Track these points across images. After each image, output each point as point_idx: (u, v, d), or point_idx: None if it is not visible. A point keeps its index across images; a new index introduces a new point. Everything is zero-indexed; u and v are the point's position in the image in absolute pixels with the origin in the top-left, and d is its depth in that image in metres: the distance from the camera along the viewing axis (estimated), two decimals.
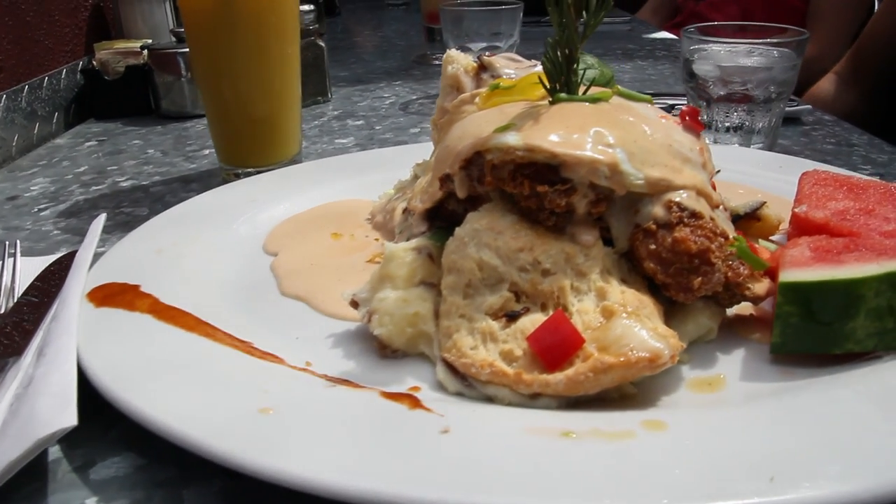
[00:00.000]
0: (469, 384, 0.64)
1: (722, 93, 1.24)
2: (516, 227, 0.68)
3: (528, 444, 0.55)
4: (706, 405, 0.62)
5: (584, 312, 0.64)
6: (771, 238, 0.87)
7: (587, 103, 0.72)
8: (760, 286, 0.70)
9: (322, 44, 1.76)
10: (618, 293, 0.65)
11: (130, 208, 1.19)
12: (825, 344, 0.65)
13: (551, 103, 0.74)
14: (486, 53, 0.95)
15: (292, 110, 1.30)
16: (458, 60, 0.93)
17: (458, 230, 0.70)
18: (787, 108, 1.54)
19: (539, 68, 0.93)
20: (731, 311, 0.74)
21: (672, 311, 0.69)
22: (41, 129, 1.58)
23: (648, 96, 0.77)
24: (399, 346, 0.70)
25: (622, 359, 0.59)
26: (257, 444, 0.54)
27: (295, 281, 0.85)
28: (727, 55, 1.25)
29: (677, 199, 0.66)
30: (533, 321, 0.64)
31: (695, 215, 0.66)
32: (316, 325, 0.76)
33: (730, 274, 0.67)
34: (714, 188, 0.79)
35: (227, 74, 1.21)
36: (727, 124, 1.27)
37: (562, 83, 0.75)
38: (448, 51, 0.95)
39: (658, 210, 0.66)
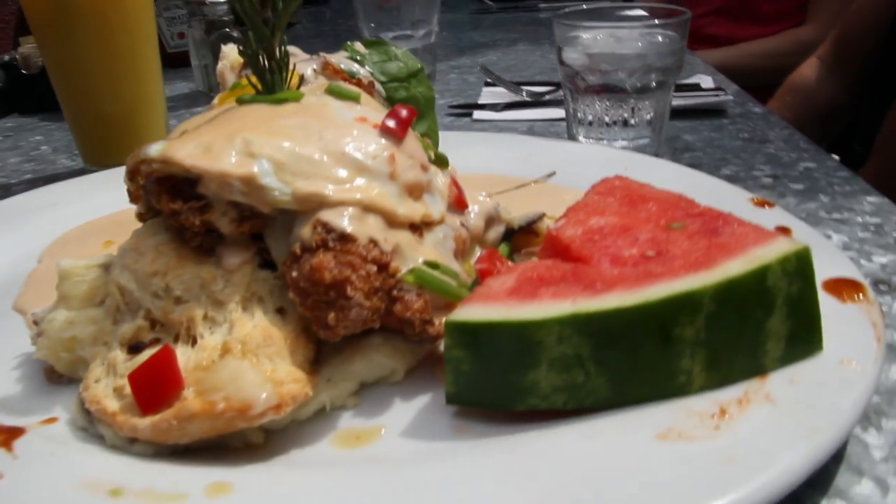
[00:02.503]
0: (91, 420, 0.58)
1: (591, 83, 1.12)
2: (160, 248, 0.61)
3: (74, 499, 0.49)
4: (318, 465, 0.54)
5: (205, 348, 0.56)
6: None
7: (268, 105, 0.64)
8: None
9: (237, 34, 1.71)
10: (248, 327, 0.57)
11: None
12: (504, 398, 0.55)
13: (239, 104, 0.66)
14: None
15: (151, 110, 1.26)
16: (227, 56, 0.86)
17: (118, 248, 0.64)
18: (710, 99, 1.39)
19: (314, 61, 0.85)
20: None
21: (346, 346, 0.61)
22: None
23: (357, 92, 0.68)
24: (63, 371, 0.65)
25: (207, 407, 0.51)
26: None
27: (29, 294, 0.80)
28: (597, 41, 1.12)
29: (325, 219, 0.57)
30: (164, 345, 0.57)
31: (344, 237, 0.56)
32: (15, 341, 0.72)
33: (398, 307, 0.58)
34: (459, 195, 0.70)
35: (71, 72, 1.18)
36: (604, 118, 1.15)
37: (266, 82, 0.67)
38: (223, 46, 0.88)
39: (305, 231, 0.57)
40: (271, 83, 0.67)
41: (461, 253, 0.69)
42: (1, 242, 0.90)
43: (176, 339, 0.59)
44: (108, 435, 0.56)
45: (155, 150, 0.59)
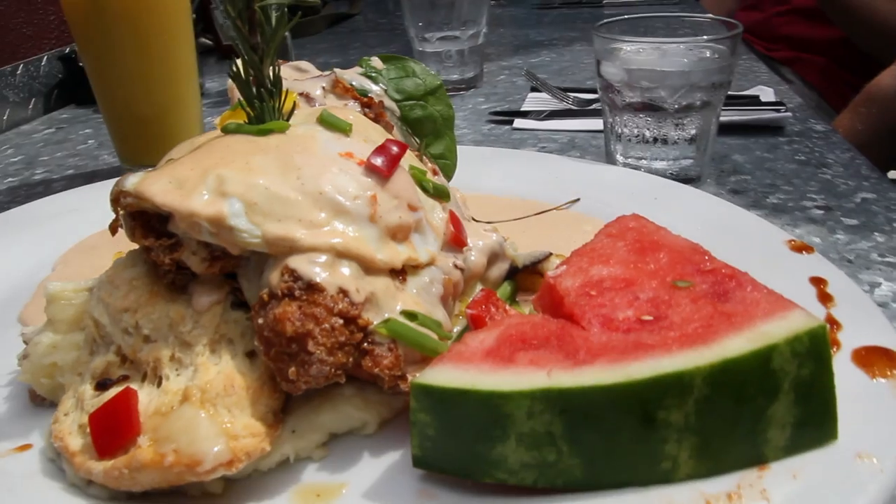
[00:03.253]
0: (58, 453, 0.57)
1: (630, 99, 1.05)
2: (133, 282, 0.59)
3: None
4: None
5: (167, 392, 0.55)
6: None
7: (251, 136, 0.61)
8: None
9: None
10: (212, 373, 0.55)
11: (16, 205, 1.21)
12: (471, 469, 0.52)
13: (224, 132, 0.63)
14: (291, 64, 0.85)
15: (186, 110, 1.26)
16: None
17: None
18: (766, 115, 1.29)
19: (324, 79, 0.82)
20: None
21: (315, 395, 0.58)
22: (13, 114, 1.66)
23: (347, 124, 0.64)
24: (45, 395, 0.65)
25: (157, 459, 0.50)
26: None
27: (36, 305, 0.81)
28: (638, 55, 1.05)
29: (294, 265, 0.54)
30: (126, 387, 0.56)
31: (311, 287, 0.53)
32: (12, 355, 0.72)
33: (366, 362, 0.55)
34: (457, 233, 0.66)
35: (107, 73, 1.19)
36: (644, 135, 1.07)
37: (257, 108, 0.64)
38: (235, 59, 0.86)
39: (273, 276, 0.55)
40: (260, 111, 0.64)
41: (453, 296, 0.65)
42: (19, 248, 0.91)
43: (144, 378, 0.57)
44: (69, 472, 0.55)
45: (131, 182, 0.58)
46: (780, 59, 2.43)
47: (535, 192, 0.96)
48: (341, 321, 0.53)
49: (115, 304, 0.58)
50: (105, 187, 1.08)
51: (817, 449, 0.51)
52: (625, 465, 0.49)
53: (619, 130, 1.09)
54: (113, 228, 0.61)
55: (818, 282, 0.72)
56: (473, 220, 0.90)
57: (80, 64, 1.73)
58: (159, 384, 0.56)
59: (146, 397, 0.55)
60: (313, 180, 0.57)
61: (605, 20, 1.10)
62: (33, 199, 1.22)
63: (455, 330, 0.65)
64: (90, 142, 1.52)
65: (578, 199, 0.93)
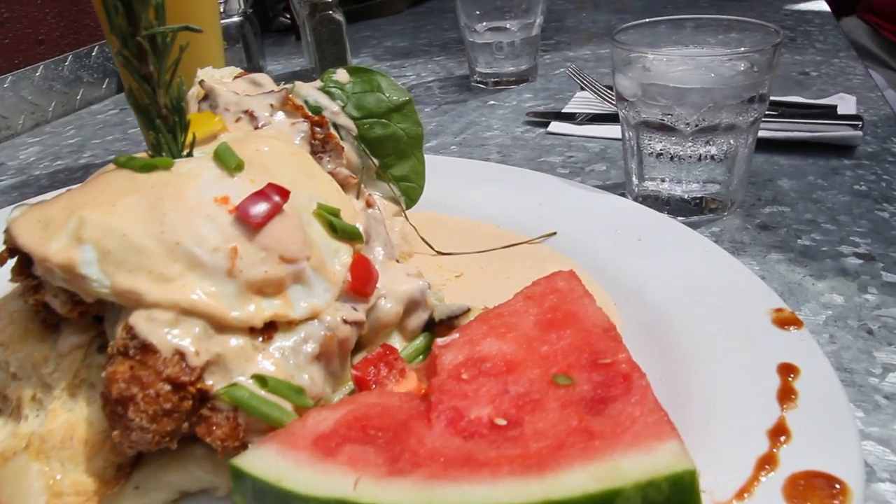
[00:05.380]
0: None
1: (645, 118, 0.93)
2: (14, 315, 0.59)
3: None
4: None
5: (15, 435, 0.54)
6: None
7: (132, 172, 0.58)
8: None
9: (340, 17, 1.67)
10: (57, 421, 0.53)
11: (53, 189, 1.28)
12: None
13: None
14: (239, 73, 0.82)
15: None
16: (207, 80, 0.81)
17: None
18: (831, 134, 1.11)
19: (274, 95, 0.78)
20: None
21: (166, 452, 0.56)
22: (86, 93, 1.75)
23: (238, 162, 0.59)
24: None
25: None
26: None
27: None
28: (656, 67, 0.92)
29: (132, 322, 0.51)
30: None
31: (145, 347, 0.50)
32: None
33: (201, 428, 0.51)
34: (356, 282, 0.61)
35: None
36: (667, 153, 0.95)
37: (153, 139, 0.62)
38: (199, 70, 0.84)
39: (118, 330, 0.52)
40: (156, 141, 0.61)
41: (340, 353, 0.60)
42: None
43: (11, 414, 0.57)
44: None
45: (10, 217, 0.57)
46: None
47: (515, 218, 0.88)
48: (169, 387, 0.50)
49: None
50: None
51: None
52: None
53: (634, 145, 0.98)
54: (1, 259, 0.61)
55: (787, 370, 0.60)
56: (439, 252, 0.84)
57: None
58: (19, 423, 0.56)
59: (1, 435, 0.55)
60: (174, 228, 0.54)
61: (627, 24, 0.97)
62: (70, 184, 1.29)
63: (345, 390, 0.60)
64: None
65: (555, 233, 0.83)
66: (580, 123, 1.31)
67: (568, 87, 1.55)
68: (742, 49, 0.89)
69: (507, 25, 1.51)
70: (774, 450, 0.52)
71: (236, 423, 0.51)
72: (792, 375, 0.59)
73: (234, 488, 0.48)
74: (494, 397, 0.49)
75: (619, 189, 1.02)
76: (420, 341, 0.66)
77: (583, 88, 1.45)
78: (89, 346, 0.57)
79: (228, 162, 0.59)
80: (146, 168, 0.59)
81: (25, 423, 0.55)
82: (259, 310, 0.55)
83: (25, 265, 0.56)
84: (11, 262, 0.58)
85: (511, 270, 0.78)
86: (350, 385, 0.61)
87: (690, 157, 0.94)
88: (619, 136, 1.24)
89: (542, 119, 1.35)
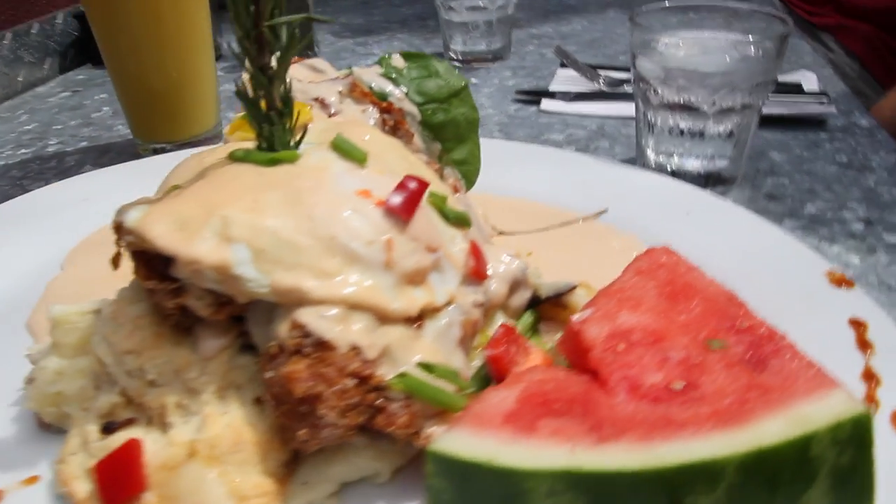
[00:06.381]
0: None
1: (665, 99, 0.98)
2: (137, 321, 0.57)
3: None
4: None
5: (174, 443, 0.53)
6: None
7: (259, 167, 0.57)
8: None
9: None
10: (219, 425, 0.52)
11: (29, 181, 1.19)
12: None
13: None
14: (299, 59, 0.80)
15: (201, 83, 1.21)
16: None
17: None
18: (809, 109, 1.22)
19: (341, 82, 0.77)
20: None
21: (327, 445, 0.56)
22: (28, 74, 1.62)
23: (363, 154, 0.60)
24: (52, 422, 0.63)
25: None
26: None
27: (44, 310, 0.79)
28: (677, 51, 0.98)
29: (304, 320, 0.51)
30: (131, 437, 0.54)
31: (321, 345, 0.51)
32: (19, 369, 0.71)
33: (380, 420, 0.52)
34: (477, 266, 0.63)
35: (119, 45, 1.14)
36: (678, 129, 1.01)
37: (266, 132, 0.60)
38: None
39: (282, 329, 0.52)
40: (269, 135, 0.60)
41: (472, 336, 0.62)
42: (25, 245, 0.89)
43: (150, 422, 0.56)
44: None
45: (132, 219, 0.54)
46: (822, 26, 2.31)
47: (558, 196, 0.92)
48: (354, 381, 0.51)
49: (118, 344, 0.56)
50: (114, 173, 1.06)
51: None
52: None
53: (652, 121, 1.03)
54: (115, 262, 0.58)
55: (858, 325, 0.68)
56: (502, 232, 0.86)
57: None
58: (165, 431, 0.54)
59: (152, 445, 0.53)
60: (325, 223, 0.54)
61: (644, 6, 1.02)
62: (46, 173, 1.20)
63: (474, 364, 0.63)
64: (105, 109, 1.48)
65: (606, 210, 0.88)
66: (570, 101, 1.35)
67: (543, 64, 1.59)
68: (758, 37, 0.96)
69: (482, 3, 1.53)
70: (873, 392, 0.60)
71: (413, 411, 0.53)
72: (862, 329, 0.67)
73: (431, 472, 0.49)
74: (660, 365, 0.53)
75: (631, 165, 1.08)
76: (528, 318, 0.69)
77: (563, 66, 1.50)
78: (231, 348, 0.56)
79: (353, 154, 0.59)
80: (272, 162, 0.58)
81: (177, 431, 0.54)
82: (413, 299, 0.56)
83: (159, 268, 0.54)
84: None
85: (576, 248, 0.82)
86: (477, 362, 0.63)
87: (703, 134, 1.01)
88: (612, 114, 1.30)
89: (531, 97, 1.39)
